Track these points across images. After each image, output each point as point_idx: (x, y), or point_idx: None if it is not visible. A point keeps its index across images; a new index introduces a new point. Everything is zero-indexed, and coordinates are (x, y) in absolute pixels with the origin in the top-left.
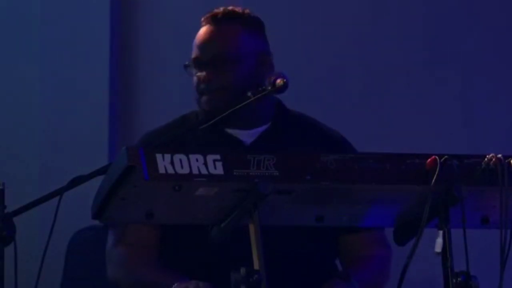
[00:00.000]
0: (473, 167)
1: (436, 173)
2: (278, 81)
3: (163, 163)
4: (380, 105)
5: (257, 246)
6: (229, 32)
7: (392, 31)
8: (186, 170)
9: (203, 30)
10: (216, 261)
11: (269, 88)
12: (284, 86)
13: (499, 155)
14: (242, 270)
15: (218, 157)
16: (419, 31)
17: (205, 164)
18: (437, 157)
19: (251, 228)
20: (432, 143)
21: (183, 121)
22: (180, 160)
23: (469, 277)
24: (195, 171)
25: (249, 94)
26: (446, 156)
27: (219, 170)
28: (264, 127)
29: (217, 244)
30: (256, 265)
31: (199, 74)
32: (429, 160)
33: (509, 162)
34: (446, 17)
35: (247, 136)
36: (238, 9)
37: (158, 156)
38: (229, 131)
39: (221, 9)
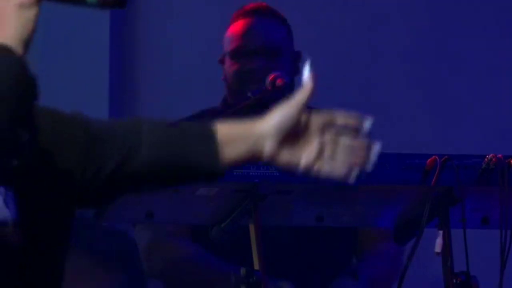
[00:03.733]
0: (473, 167)
1: (436, 173)
2: (278, 81)
3: None
4: (381, 104)
5: (257, 246)
6: (272, 25)
7: (394, 30)
8: None
9: (244, 22)
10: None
11: (269, 88)
12: (284, 86)
13: (499, 155)
14: (242, 270)
15: None
16: (421, 32)
17: None
18: (437, 157)
19: (251, 228)
20: (434, 143)
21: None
22: None
23: (469, 277)
24: None
25: (249, 94)
26: (446, 156)
27: None
28: None
29: (217, 244)
30: (256, 265)
31: (239, 63)
32: (429, 160)
33: (509, 162)
34: (448, 18)
35: None
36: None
37: None
38: None
39: (259, 4)
